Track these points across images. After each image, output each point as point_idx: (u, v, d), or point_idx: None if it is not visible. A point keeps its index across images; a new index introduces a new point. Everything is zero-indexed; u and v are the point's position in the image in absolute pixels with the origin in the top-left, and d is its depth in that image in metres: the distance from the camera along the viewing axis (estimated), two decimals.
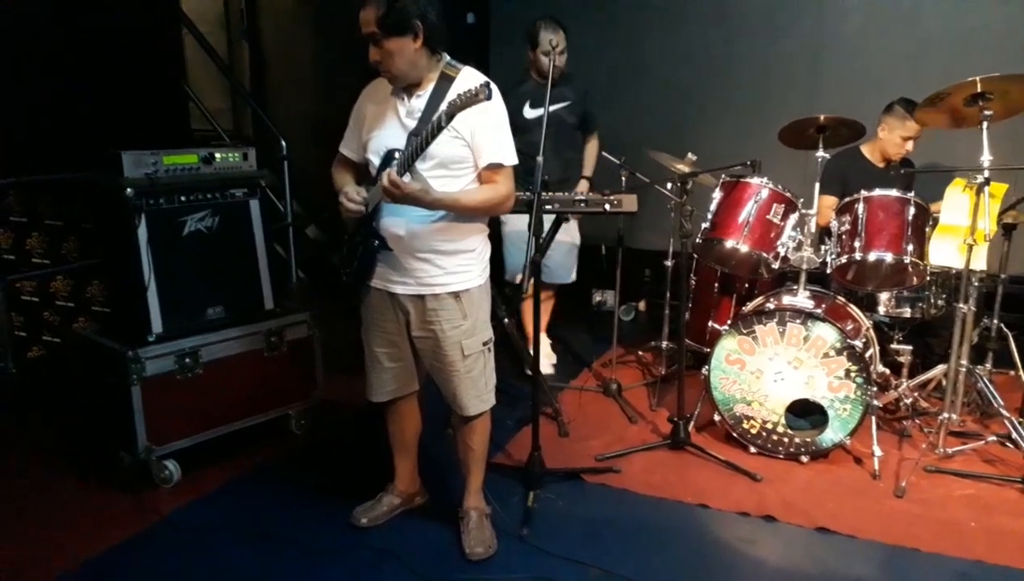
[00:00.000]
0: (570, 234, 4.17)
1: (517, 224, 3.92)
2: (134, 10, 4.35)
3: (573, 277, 4.28)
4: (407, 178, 2.30)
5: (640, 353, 4.47)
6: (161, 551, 2.68)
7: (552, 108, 3.84)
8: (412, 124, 2.39)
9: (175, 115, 4.87)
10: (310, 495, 3.01)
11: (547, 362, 4.33)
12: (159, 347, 2.98)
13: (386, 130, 2.45)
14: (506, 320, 3.64)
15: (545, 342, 4.40)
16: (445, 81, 2.40)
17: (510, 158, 2.43)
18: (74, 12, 4.03)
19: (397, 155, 2.36)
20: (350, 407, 3.59)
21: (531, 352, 3.08)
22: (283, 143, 5.39)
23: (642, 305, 5.50)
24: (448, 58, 2.44)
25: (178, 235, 3.05)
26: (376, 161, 2.46)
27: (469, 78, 2.39)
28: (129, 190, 2.90)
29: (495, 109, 2.37)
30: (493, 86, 2.24)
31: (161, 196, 2.99)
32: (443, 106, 2.23)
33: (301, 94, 6.24)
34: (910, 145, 3.84)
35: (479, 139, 2.37)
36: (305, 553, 2.65)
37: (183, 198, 3.06)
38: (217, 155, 3.18)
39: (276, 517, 2.87)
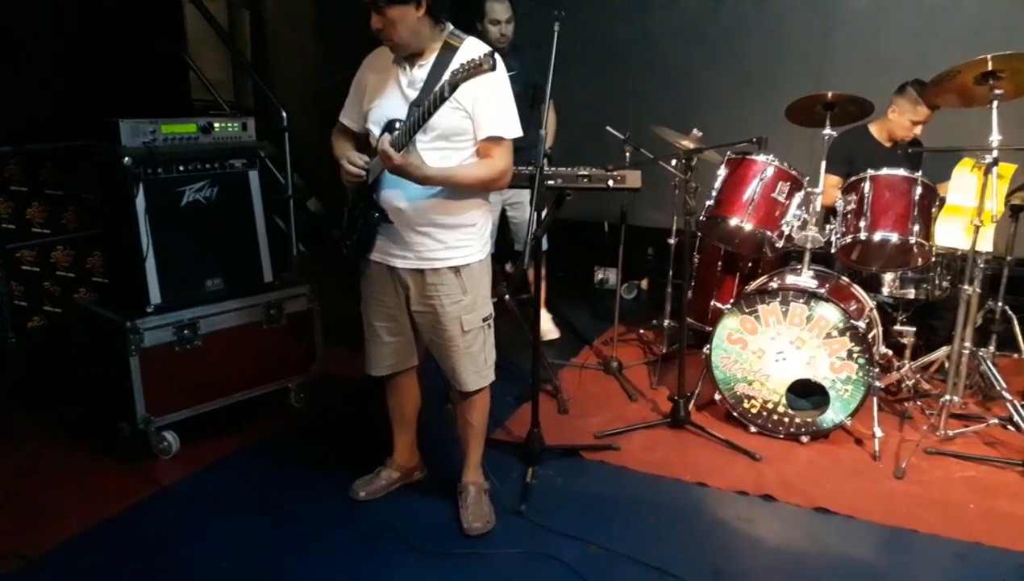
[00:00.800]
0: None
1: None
2: None
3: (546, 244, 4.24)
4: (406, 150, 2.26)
5: (641, 331, 4.45)
6: (159, 521, 2.68)
7: None
8: (413, 94, 2.35)
9: (175, 85, 4.82)
10: (309, 468, 3.01)
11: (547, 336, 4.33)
12: (157, 318, 2.96)
13: (387, 100, 2.41)
14: (507, 297, 3.62)
15: (547, 316, 4.40)
16: (448, 51, 2.35)
17: (511, 131, 2.39)
18: None
19: (398, 125, 2.33)
20: (350, 380, 3.58)
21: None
22: (284, 114, 5.33)
23: (644, 283, 5.48)
24: (452, 27, 2.40)
25: (176, 205, 3.03)
26: (376, 131, 2.42)
27: (473, 48, 2.35)
28: (127, 159, 2.87)
29: (498, 80, 2.33)
30: (497, 56, 2.19)
31: (159, 165, 2.96)
32: (446, 76, 2.19)
33: (303, 64, 6.17)
34: (919, 129, 3.80)
35: (479, 110, 2.33)
36: (303, 526, 2.65)
37: (181, 168, 3.03)
38: (216, 125, 3.14)
39: (274, 489, 2.87)
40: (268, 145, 3.42)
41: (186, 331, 3.02)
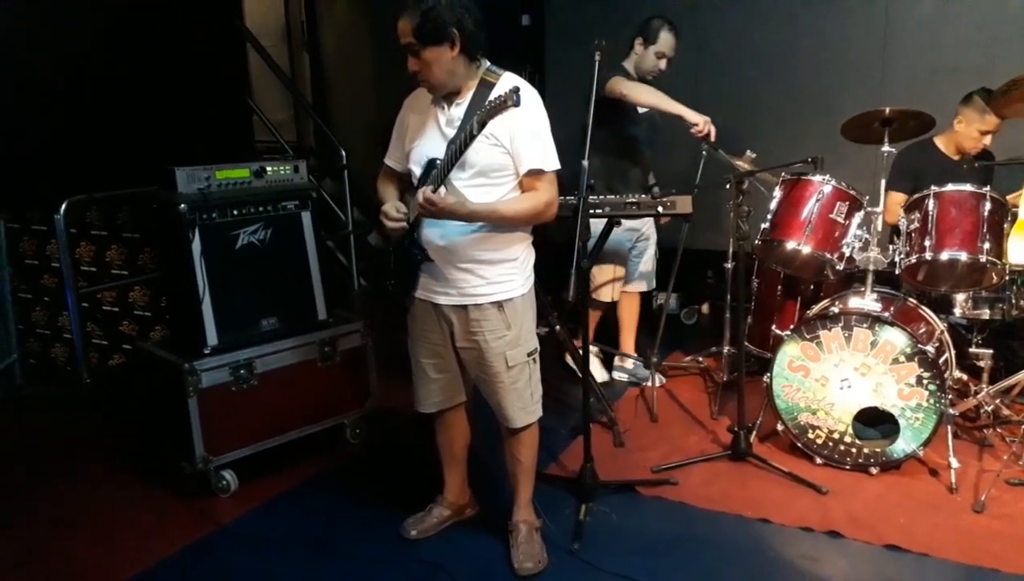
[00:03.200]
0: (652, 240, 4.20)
1: None
2: (201, 28, 4.48)
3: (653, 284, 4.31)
4: (442, 191, 2.27)
5: (700, 359, 4.33)
6: (216, 560, 2.72)
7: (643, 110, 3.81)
8: (452, 133, 2.36)
9: (239, 128, 4.99)
10: (364, 505, 3.01)
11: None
12: (214, 359, 3.02)
13: (426, 140, 2.43)
14: (557, 327, 3.57)
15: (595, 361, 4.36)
16: (485, 88, 2.36)
17: (551, 163, 2.38)
18: (149, 37, 4.18)
19: (438, 163, 2.34)
20: (406, 414, 3.57)
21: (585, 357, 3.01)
22: (343, 152, 5.47)
23: (705, 308, 5.35)
24: (488, 64, 2.40)
25: (231, 248, 3.10)
26: (417, 171, 2.45)
27: (508, 83, 2.34)
28: (182, 205, 2.96)
29: (534, 113, 2.33)
30: (526, 91, 2.19)
31: (214, 210, 3.04)
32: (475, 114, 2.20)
33: (362, 103, 6.31)
34: (988, 139, 3.63)
35: (518, 145, 2.33)
36: (356, 564, 2.65)
37: (235, 212, 3.10)
38: (268, 168, 3.22)
39: (329, 527, 2.89)
40: (316, 185, 3.47)
41: (242, 371, 3.08)
